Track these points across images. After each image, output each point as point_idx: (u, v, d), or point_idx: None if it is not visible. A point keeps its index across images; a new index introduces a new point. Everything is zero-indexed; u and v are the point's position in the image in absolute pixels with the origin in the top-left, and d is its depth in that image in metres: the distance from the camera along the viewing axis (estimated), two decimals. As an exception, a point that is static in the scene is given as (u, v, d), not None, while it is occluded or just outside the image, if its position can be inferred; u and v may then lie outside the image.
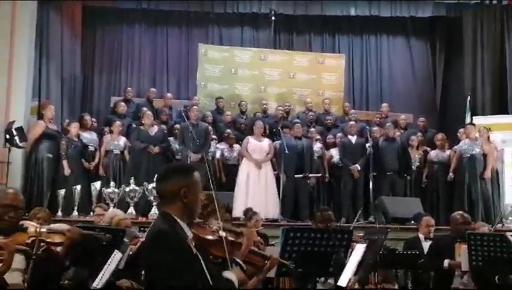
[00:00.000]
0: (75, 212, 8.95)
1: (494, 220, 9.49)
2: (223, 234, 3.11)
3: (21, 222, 3.80)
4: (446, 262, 5.93)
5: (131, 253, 4.72)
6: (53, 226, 4.00)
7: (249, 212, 7.59)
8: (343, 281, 4.33)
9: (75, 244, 3.95)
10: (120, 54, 13.25)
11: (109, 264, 4.10)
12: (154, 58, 13.36)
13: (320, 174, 10.08)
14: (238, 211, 8.55)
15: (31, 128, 9.44)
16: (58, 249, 4.09)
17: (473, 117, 11.33)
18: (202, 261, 2.79)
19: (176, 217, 2.79)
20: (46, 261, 3.96)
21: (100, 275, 4.06)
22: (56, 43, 11.31)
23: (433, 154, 10.38)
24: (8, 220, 3.68)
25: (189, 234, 2.84)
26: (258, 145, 9.87)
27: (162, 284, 2.64)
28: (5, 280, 3.54)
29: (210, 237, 3.08)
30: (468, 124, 10.65)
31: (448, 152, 10.30)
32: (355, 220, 8.57)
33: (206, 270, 2.77)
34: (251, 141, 9.91)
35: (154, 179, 8.81)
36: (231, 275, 2.91)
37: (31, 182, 9.25)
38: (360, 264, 4.42)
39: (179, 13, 13.08)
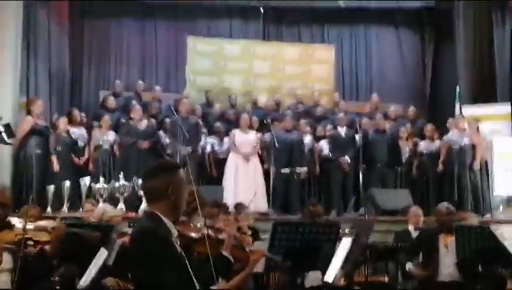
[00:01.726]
0: (65, 208, 8.91)
1: (483, 211, 9.57)
2: (205, 231, 3.10)
3: (8, 218, 3.77)
4: (408, 266, 6.06)
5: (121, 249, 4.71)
6: (40, 223, 3.98)
7: (238, 207, 7.61)
8: (329, 276, 4.34)
9: (61, 242, 3.94)
10: (108, 48, 13.19)
11: (95, 262, 4.09)
12: (142, 51, 13.31)
13: (305, 168, 10.04)
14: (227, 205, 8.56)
15: (19, 124, 9.38)
16: (47, 247, 4.09)
17: (462, 107, 11.33)
18: (186, 261, 2.78)
19: (161, 216, 2.77)
20: (34, 260, 3.95)
21: (86, 273, 4.05)
22: (43, 38, 11.22)
23: (423, 145, 10.40)
24: None
25: (174, 232, 2.83)
26: (245, 138, 9.88)
27: (146, 282, 2.63)
28: None
29: (194, 235, 3.08)
30: (457, 114, 10.68)
31: (437, 143, 10.31)
32: (347, 211, 8.62)
33: (190, 270, 2.76)
34: (238, 134, 9.92)
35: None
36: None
37: (20, 178, 9.19)
38: (347, 259, 4.43)
39: (167, 6, 13.01)
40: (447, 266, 5.72)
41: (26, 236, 3.71)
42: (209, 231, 3.14)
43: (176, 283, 2.64)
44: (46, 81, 11.28)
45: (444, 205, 6.19)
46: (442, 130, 10.69)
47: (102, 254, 4.09)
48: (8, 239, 3.66)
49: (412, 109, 11.68)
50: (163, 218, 2.77)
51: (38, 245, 4.01)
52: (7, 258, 3.68)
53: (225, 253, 4.10)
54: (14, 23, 9.43)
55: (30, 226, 3.81)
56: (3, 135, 8.44)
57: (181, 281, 2.68)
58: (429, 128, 10.50)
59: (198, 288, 2.74)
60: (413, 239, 6.65)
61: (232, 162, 9.80)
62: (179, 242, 2.84)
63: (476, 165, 9.77)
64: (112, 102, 10.89)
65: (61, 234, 3.93)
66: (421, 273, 5.94)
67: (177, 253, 2.75)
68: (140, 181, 8.73)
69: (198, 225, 3.15)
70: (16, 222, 3.83)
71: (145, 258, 2.65)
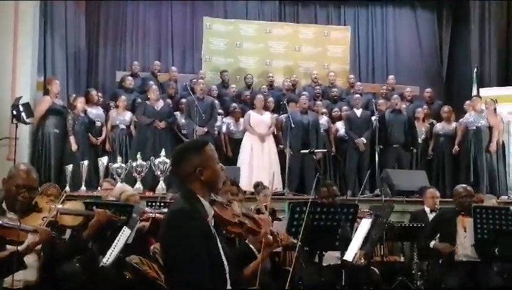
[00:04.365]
0: (83, 187, 9.01)
1: (499, 193, 9.54)
2: (242, 219, 3.15)
3: (35, 200, 3.74)
4: (432, 243, 6.00)
5: (143, 228, 4.76)
6: (70, 207, 3.94)
7: (259, 186, 7.66)
8: (349, 256, 4.38)
9: (100, 228, 3.96)
10: (125, 28, 13.10)
11: (118, 240, 4.14)
12: (158, 31, 13.24)
13: (326, 150, 10.04)
14: (243, 185, 8.60)
15: (37, 104, 9.44)
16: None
17: (480, 89, 11.27)
18: (218, 242, 2.79)
19: (198, 195, 2.77)
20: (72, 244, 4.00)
21: (110, 251, 4.10)
22: (60, 17, 11.21)
23: (439, 126, 10.36)
24: (21, 201, 3.62)
25: (211, 213, 2.83)
26: (260, 119, 9.92)
27: (177, 265, 2.62)
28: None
29: (230, 219, 3.11)
30: (475, 96, 10.62)
31: (454, 124, 10.28)
32: (361, 192, 8.64)
33: (221, 251, 2.77)
34: (253, 115, 9.96)
35: (161, 154, 8.95)
36: None
37: (38, 157, 9.30)
38: (366, 239, 4.46)
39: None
40: (465, 247, 5.73)
41: (51, 220, 3.69)
42: (246, 220, 3.19)
43: (205, 271, 2.61)
44: (63, 61, 11.31)
45: (462, 187, 6.17)
46: (460, 113, 10.65)
47: (125, 233, 4.15)
48: (35, 223, 3.64)
49: (428, 91, 11.61)
50: (200, 197, 2.77)
51: (64, 229, 4.05)
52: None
53: (250, 245, 4.22)
54: (32, 3, 9.46)
55: (59, 207, 3.78)
56: (23, 114, 8.50)
57: (212, 264, 2.67)
58: (446, 109, 10.45)
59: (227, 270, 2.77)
60: (430, 220, 6.65)
61: (248, 143, 9.84)
62: (213, 222, 2.86)
63: (493, 147, 9.75)
64: (130, 82, 10.92)
65: (103, 221, 3.94)
66: (447, 248, 5.82)
67: (211, 233, 2.75)
68: (157, 161, 8.85)
69: (237, 211, 3.16)
70: (43, 204, 3.79)
71: (178, 239, 2.63)
